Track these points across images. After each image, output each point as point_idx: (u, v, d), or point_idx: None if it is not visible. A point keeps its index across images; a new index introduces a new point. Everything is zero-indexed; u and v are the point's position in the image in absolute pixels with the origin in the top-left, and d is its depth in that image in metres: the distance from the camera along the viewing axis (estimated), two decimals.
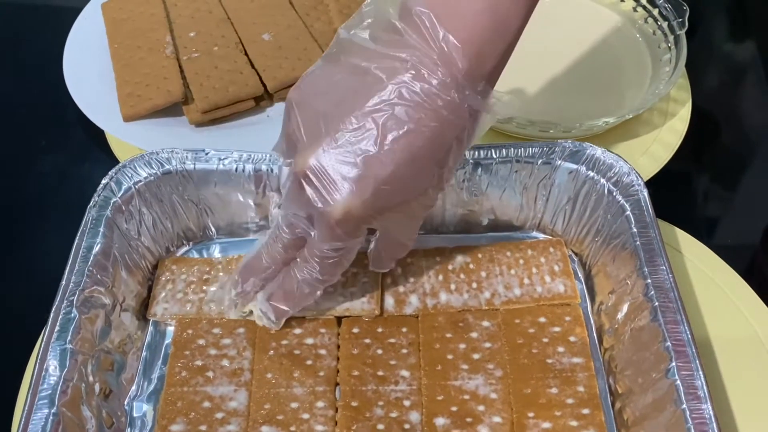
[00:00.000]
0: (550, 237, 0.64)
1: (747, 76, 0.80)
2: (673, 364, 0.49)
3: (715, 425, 0.46)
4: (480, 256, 0.62)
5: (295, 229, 0.51)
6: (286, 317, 0.57)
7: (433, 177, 0.47)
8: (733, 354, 0.57)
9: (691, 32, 0.81)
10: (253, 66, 0.74)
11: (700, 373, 0.48)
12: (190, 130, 0.72)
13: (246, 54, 0.75)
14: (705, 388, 0.48)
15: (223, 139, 0.71)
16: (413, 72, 0.43)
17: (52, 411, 0.48)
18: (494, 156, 0.60)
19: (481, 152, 0.60)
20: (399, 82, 0.43)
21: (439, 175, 0.47)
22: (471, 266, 0.61)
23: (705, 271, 0.62)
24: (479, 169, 0.60)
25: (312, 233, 0.50)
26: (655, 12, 0.75)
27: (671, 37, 0.73)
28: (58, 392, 0.49)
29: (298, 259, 0.52)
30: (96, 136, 0.74)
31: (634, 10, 0.78)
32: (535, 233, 0.64)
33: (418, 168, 0.45)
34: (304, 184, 0.46)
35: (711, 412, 0.47)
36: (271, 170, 0.60)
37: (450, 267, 0.61)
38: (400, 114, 0.43)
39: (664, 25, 0.74)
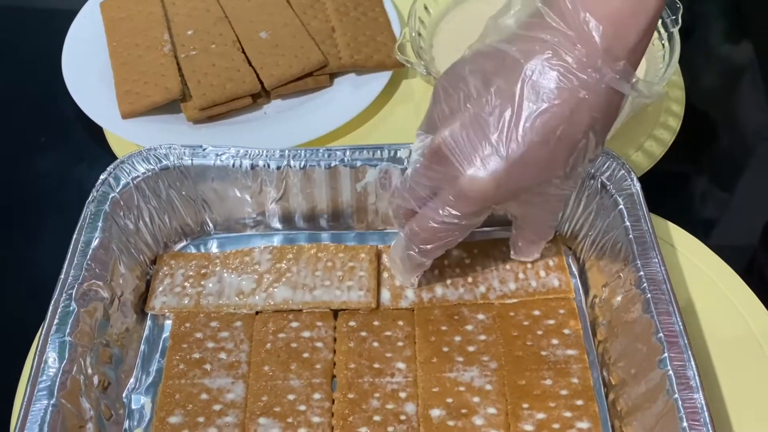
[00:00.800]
0: None
1: (743, 77, 0.81)
2: (666, 354, 0.49)
3: (706, 414, 0.47)
4: (475, 251, 0.62)
5: (414, 197, 0.52)
6: (406, 279, 0.59)
7: (567, 161, 0.46)
8: (725, 345, 0.58)
9: (688, 33, 0.81)
10: (250, 64, 0.74)
11: (692, 363, 0.49)
12: (188, 127, 0.72)
13: (243, 52, 0.76)
14: (697, 377, 0.48)
15: (220, 136, 0.71)
16: (551, 52, 0.43)
17: (51, 402, 0.48)
18: None
19: None
20: (537, 62, 0.44)
21: (574, 160, 0.47)
22: (467, 261, 0.62)
23: (698, 265, 0.62)
24: None
25: (428, 206, 0.51)
26: None
27: (665, 35, 0.73)
28: (57, 384, 0.49)
29: (410, 235, 0.53)
30: (95, 133, 0.74)
31: None
32: None
33: (552, 149, 0.45)
34: (438, 157, 0.47)
35: (703, 402, 0.47)
36: (268, 166, 0.60)
37: (446, 261, 0.62)
38: (536, 94, 0.44)
39: (658, 22, 0.74)
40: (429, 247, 0.53)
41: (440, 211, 0.50)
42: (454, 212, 0.49)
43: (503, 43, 0.46)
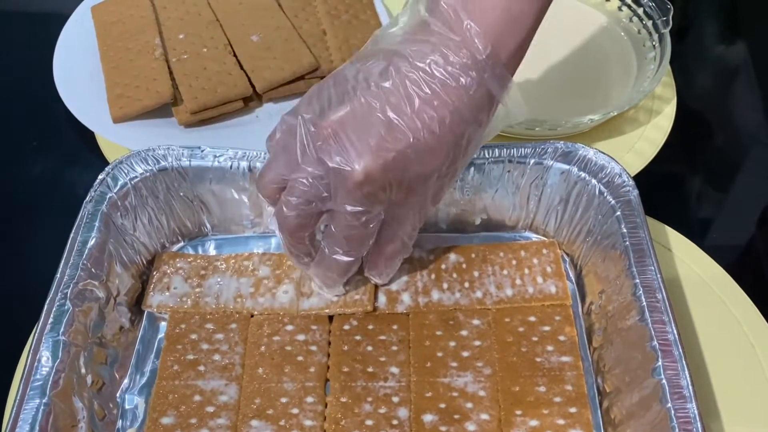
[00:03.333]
0: (543, 237, 0.64)
1: (737, 79, 0.81)
2: (660, 363, 0.49)
3: (699, 424, 0.46)
4: (473, 256, 0.62)
5: (307, 193, 0.50)
6: (337, 286, 0.58)
7: (449, 154, 0.50)
8: (721, 351, 0.58)
9: (683, 34, 0.81)
10: (242, 67, 0.74)
11: (686, 372, 0.49)
12: (179, 131, 0.72)
13: (235, 55, 0.75)
14: (690, 387, 0.48)
15: (212, 139, 0.70)
16: (438, 53, 0.47)
17: (44, 401, 0.48)
18: (487, 156, 0.60)
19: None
20: (424, 61, 0.47)
21: (454, 157, 0.50)
22: (464, 266, 0.62)
23: (694, 269, 0.62)
24: (472, 169, 0.60)
25: (327, 198, 0.51)
26: (640, 11, 0.76)
27: (656, 36, 0.74)
28: (49, 383, 0.49)
29: (327, 238, 0.54)
30: (86, 137, 0.74)
31: (620, 9, 0.79)
32: (527, 233, 0.64)
33: (437, 140, 0.48)
34: (328, 144, 0.48)
35: (696, 411, 0.47)
36: None
37: (443, 266, 0.61)
38: (425, 89, 0.47)
39: (649, 24, 0.75)
40: (351, 250, 0.54)
41: (340, 207, 0.50)
42: (348, 208, 0.50)
43: (393, 45, 0.49)
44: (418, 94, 0.47)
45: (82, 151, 0.75)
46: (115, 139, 0.71)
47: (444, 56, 0.47)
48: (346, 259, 0.54)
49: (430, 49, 0.47)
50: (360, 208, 0.50)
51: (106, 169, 0.60)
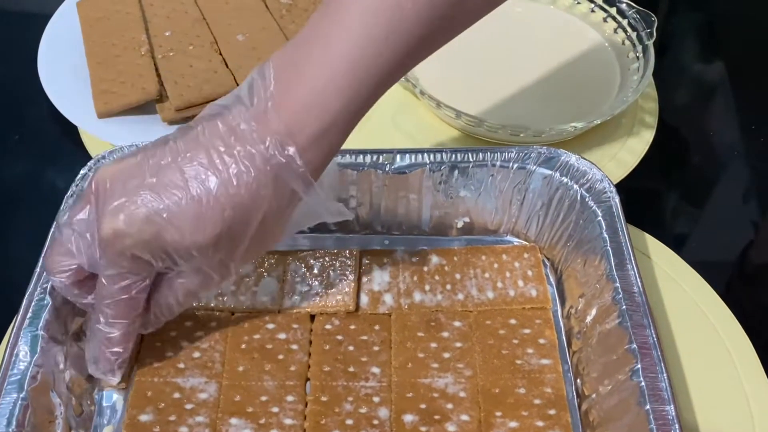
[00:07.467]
0: (524, 241, 0.64)
1: (715, 95, 0.83)
2: (638, 365, 0.49)
3: (677, 426, 0.47)
4: (455, 258, 0.62)
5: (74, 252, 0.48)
6: (115, 372, 0.53)
7: (215, 230, 0.46)
8: (697, 355, 0.58)
9: (662, 52, 0.83)
10: (227, 66, 0.74)
11: (665, 375, 0.49)
12: (163, 127, 0.72)
13: (221, 54, 0.76)
14: (669, 390, 0.48)
15: None
16: (228, 122, 0.45)
17: (21, 395, 0.48)
18: (471, 159, 0.61)
19: (458, 155, 0.61)
20: (213, 129, 0.45)
21: (231, 239, 0.46)
22: (446, 268, 0.62)
23: (672, 276, 0.63)
24: (455, 172, 0.61)
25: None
26: (624, 22, 0.78)
27: (639, 47, 0.75)
28: (27, 377, 0.49)
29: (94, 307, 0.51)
30: (69, 132, 0.74)
31: (605, 20, 0.80)
32: (509, 237, 0.65)
33: (197, 214, 0.45)
34: (89, 197, 0.47)
35: (674, 414, 0.47)
36: None
37: (425, 268, 0.62)
38: (201, 158, 0.45)
39: (633, 35, 0.76)
40: (115, 315, 0.49)
41: (101, 268, 0.48)
42: (104, 270, 0.47)
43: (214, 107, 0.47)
44: (185, 157, 0.45)
45: (65, 146, 0.75)
46: (98, 134, 0.70)
47: (231, 128, 0.45)
48: (110, 331, 0.50)
49: (223, 115, 0.45)
50: (112, 271, 0.47)
51: (89, 163, 0.59)
